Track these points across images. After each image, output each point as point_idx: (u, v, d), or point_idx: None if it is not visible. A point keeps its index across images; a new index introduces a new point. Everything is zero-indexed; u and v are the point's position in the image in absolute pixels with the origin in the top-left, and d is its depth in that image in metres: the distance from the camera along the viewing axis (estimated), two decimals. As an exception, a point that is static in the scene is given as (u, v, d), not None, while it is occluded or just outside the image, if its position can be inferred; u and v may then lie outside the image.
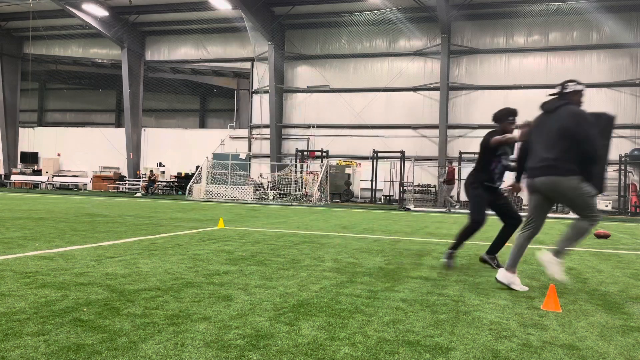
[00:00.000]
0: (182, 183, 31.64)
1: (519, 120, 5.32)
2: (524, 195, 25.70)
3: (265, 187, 28.89)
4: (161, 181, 32.48)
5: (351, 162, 29.72)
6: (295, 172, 28.40)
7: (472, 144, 27.99)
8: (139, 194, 28.86)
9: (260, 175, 30.61)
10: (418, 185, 27.94)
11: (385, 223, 13.05)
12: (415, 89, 29.31)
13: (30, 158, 37.20)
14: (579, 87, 4.78)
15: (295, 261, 6.19)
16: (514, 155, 5.58)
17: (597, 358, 3.02)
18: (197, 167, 29.45)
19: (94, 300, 3.87)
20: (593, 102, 26.57)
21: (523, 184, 5.06)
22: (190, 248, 7.01)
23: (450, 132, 28.44)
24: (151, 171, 31.21)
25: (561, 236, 4.77)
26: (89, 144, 36.36)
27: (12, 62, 36.77)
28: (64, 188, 34.35)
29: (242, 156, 29.89)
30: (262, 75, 31.71)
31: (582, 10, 26.19)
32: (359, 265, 6.03)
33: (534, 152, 4.81)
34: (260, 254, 6.74)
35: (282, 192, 27.20)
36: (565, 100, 4.77)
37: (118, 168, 35.36)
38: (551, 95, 4.92)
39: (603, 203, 25.39)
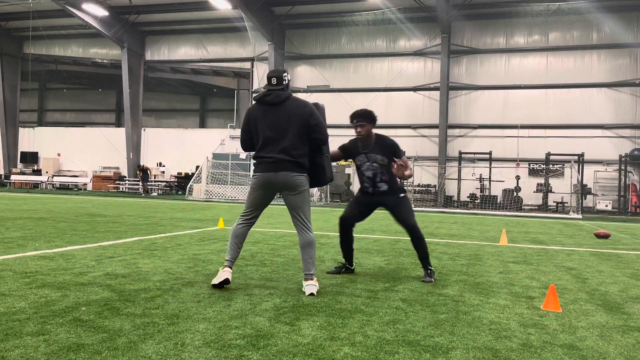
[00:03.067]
0: (182, 183, 31.63)
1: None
2: (523, 194, 25.70)
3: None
4: (161, 181, 32.46)
5: (351, 162, 29.70)
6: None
7: (472, 144, 28.00)
8: (143, 195, 28.80)
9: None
10: (418, 185, 27.93)
11: (385, 223, 13.05)
12: (415, 89, 29.32)
13: (30, 158, 37.18)
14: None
15: (296, 261, 6.19)
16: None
17: (597, 358, 3.02)
18: (197, 167, 29.45)
19: (94, 300, 3.87)
20: (593, 102, 26.59)
21: None
22: (190, 248, 7.02)
23: (450, 132, 28.45)
24: (139, 165, 30.63)
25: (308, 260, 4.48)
26: (89, 144, 36.35)
27: (12, 62, 36.75)
28: (64, 188, 34.35)
29: (242, 156, 29.87)
30: (262, 75, 31.70)
31: (582, 10, 26.18)
32: (359, 265, 6.03)
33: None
34: (260, 254, 6.74)
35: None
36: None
37: (118, 168, 35.36)
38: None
39: (603, 203, 25.39)
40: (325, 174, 4.68)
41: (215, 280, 4.41)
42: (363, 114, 5.23)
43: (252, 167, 4.71)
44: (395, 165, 5.07)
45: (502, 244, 8.99)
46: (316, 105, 4.71)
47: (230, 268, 4.50)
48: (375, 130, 5.34)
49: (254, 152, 4.58)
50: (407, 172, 5.10)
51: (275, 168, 4.38)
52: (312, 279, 4.44)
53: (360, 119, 5.22)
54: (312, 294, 4.33)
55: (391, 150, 5.27)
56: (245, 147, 4.66)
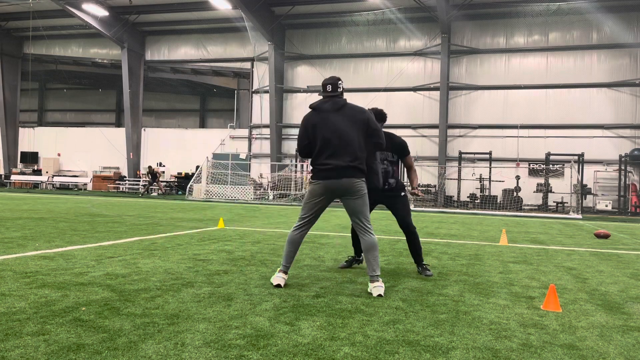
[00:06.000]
0: (182, 183, 31.60)
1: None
2: (522, 194, 25.69)
3: (265, 187, 28.88)
4: (161, 181, 32.43)
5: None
6: (295, 172, 28.40)
7: (472, 144, 28.00)
8: (141, 195, 28.72)
9: (260, 175, 30.60)
10: (418, 185, 27.91)
11: (385, 223, 13.04)
12: (415, 89, 29.31)
13: (30, 158, 37.17)
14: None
15: (296, 261, 6.19)
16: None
17: (597, 358, 3.02)
18: (197, 167, 29.43)
19: (94, 300, 3.87)
20: (593, 102, 26.59)
21: None
22: (190, 248, 7.01)
23: (450, 132, 28.44)
24: (150, 167, 29.85)
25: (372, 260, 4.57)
26: (89, 144, 36.35)
27: (12, 62, 36.74)
28: (64, 188, 34.34)
29: (242, 156, 29.87)
30: (262, 75, 31.71)
31: (582, 10, 26.17)
32: (358, 266, 6.03)
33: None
34: (260, 254, 6.74)
35: (282, 192, 27.20)
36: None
37: (118, 168, 35.35)
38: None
39: (603, 203, 25.39)
40: (379, 180, 5.04)
41: (273, 281, 4.65)
42: (375, 113, 5.46)
43: (310, 173, 4.90)
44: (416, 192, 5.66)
45: (502, 244, 8.99)
46: (372, 110, 5.21)
47: (285, 273, 4.68)
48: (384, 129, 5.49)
49: (310, 159, 4.64)
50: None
51: (338, 175, 4.46)
52: (378, 280, 4.50)
53: None
54: (380, 295, 4.38)
55: (400, 148, 5.59)
56: (304, 153, 4.67)
